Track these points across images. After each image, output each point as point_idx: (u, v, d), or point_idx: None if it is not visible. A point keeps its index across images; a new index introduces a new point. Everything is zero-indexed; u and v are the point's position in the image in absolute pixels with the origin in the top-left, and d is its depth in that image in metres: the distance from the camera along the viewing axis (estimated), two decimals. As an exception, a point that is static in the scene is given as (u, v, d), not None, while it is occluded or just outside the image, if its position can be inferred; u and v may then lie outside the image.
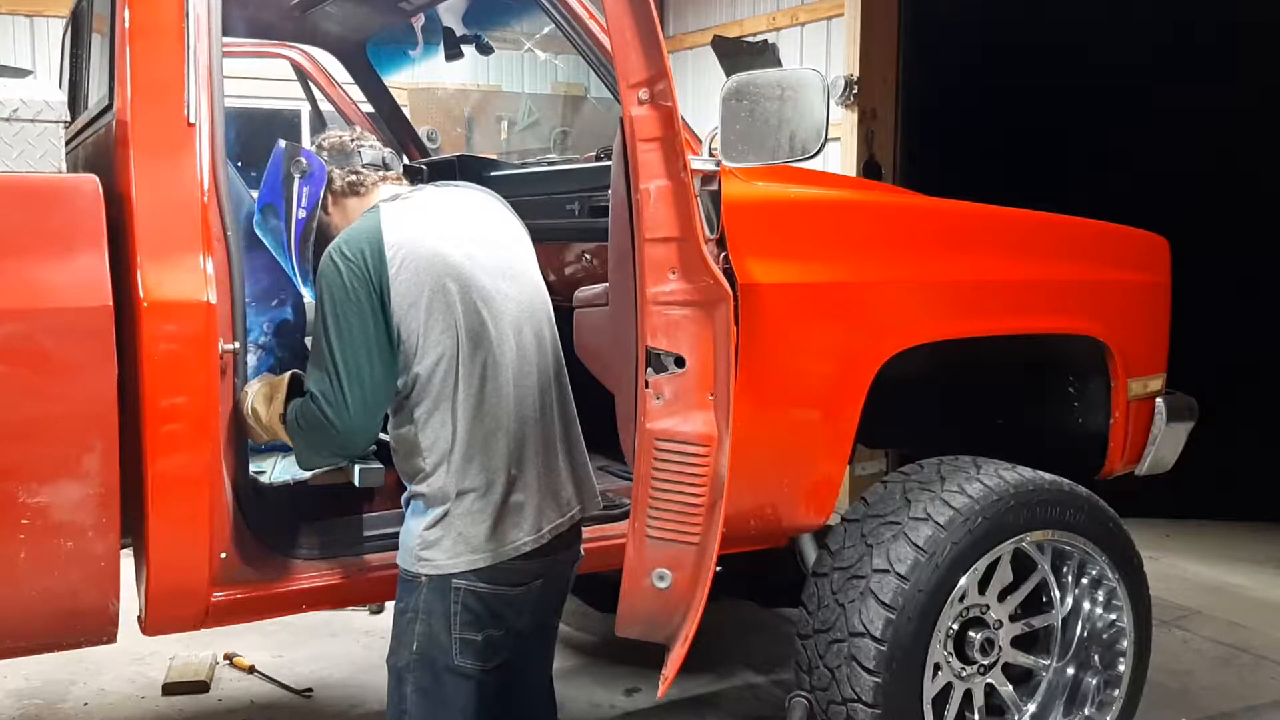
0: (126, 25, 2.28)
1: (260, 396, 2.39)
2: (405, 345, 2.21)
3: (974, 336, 3.07)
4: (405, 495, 2.34)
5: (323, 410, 2.20)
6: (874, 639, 2.69)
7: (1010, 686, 3.00)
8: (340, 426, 2.20)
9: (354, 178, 2.44)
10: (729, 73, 2.59)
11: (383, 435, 2.66)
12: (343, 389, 2.19)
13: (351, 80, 4.18)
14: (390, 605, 2.41)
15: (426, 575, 2.25)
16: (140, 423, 2.20)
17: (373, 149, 2.49)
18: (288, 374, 2.43)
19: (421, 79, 7.16)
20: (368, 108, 4.26)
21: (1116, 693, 3.10)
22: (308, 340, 2.97)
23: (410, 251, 2.22)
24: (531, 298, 2.38)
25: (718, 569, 2.31)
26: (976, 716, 2.93)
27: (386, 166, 2.49)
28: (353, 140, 2.49)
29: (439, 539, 2.24)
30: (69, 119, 2.33)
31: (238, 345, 2.34)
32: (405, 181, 2.53)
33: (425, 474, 2.26)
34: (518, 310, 2.32)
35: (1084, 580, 3.09)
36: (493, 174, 3.72)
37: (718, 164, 2.43)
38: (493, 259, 2.32)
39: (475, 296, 2.25)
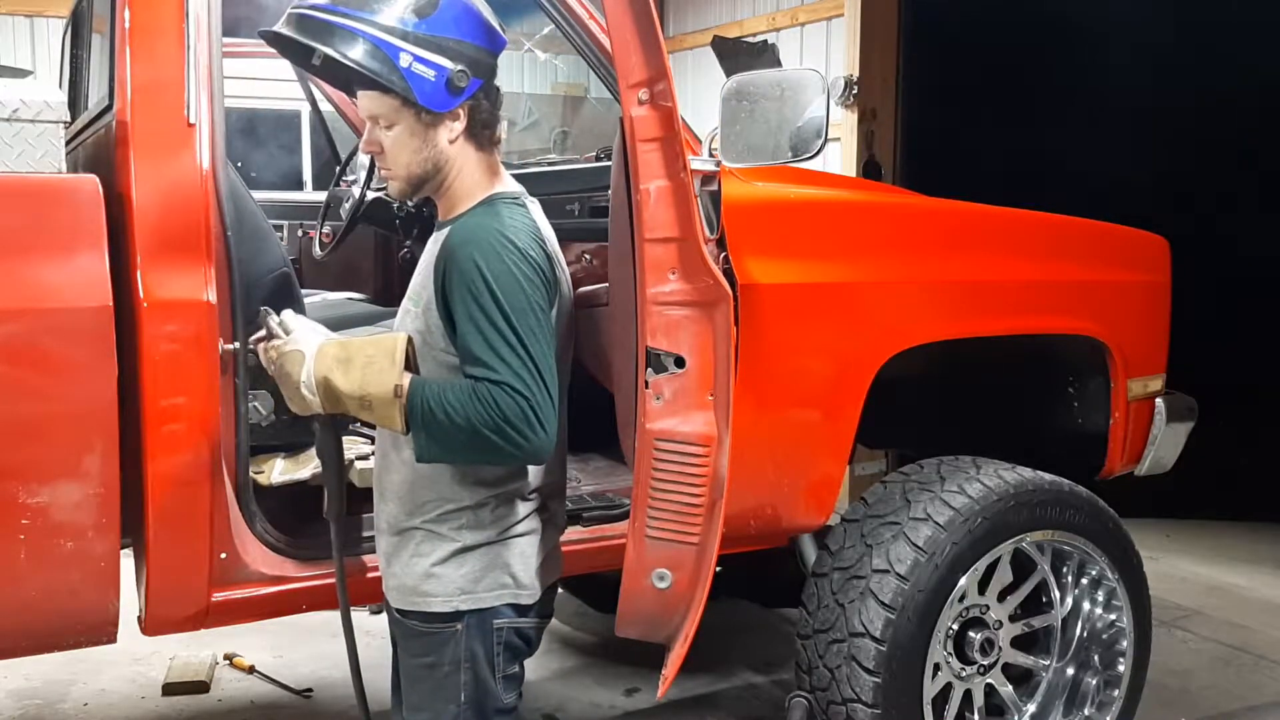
0: (126, 25, 2.27)
1: (334, 361, 1.97)
2: None
3: (974, 337, 3.07)
4: (411, 530, 2.08)
5: (525, 412, 1.87)
6: (874, 639, 2.69)
7: (1010, 687, 3.00)
8: (537, 440, 1.90)
9: (497, 124, 2.07)
10: (729, 73, 2.60)
11: (364, 445, 2.62)
12: (546, 389, 1.90)
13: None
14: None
15: (464, 624, 2.06)
16: (140, 423, 2.20)
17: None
18: (401, 336, 1.98)
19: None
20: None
21: (1116, 693, 3.10)
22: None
23: (562, 278, 2.08)
24: None
25: (718, 569, 2.31)
26: (976, 717, 2.93)
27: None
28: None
29: (484, 577, 2.06)
30: (69, 119, 2.32)
31: (238, 345, 2.34)
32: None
33: (481, 504, 2.05)
34: None
35: (1084, 580, 3.09)
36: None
37: (718, 164, 2.43)
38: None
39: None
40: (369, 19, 1.94)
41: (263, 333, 2.11)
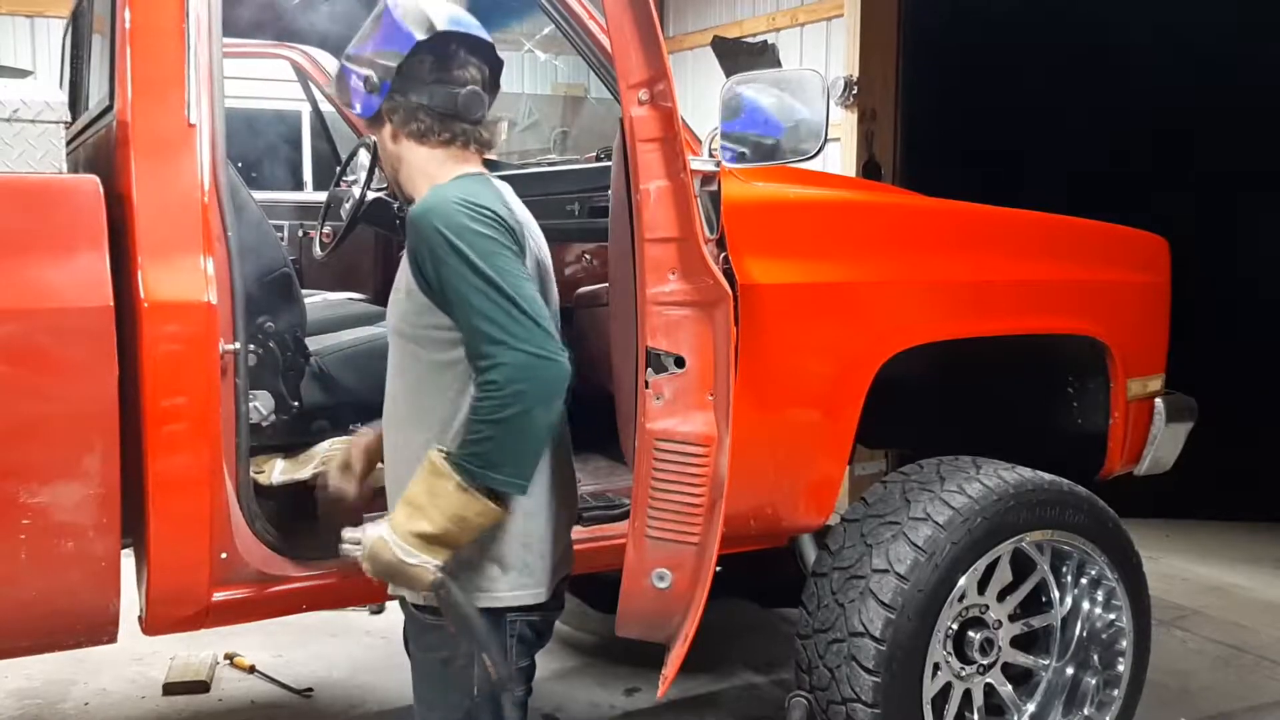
0: (126, 25, 2.27)
1: (406, 519, 1.99)
2: None
3: (974, 337, 3.07)
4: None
5: (519, 363, 1.91)
6: (874, 639, 2.69)
7: (1009, 686, 3.00)
8: (550, 368, 1.93)
9: (438, 119, 2.16)
10: (729, 73, 2.60)
11: None
12: (528, 316, 1.94)
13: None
14: (392, 606, 2.39)
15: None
16: (140, 423, 2.20)
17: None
18: (430, 452, 2.00)
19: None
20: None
21: (1116, 692, 3.10)
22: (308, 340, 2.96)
23: (530, 244, 2.12)
24: None
25: (718, 569, 2.32)
26: (976, 716, 2.93)
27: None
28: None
29: (501, 573, 2.10)
30: (69, 119, 2.32)
31: (238, 345, 2.34)
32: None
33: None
34: None
35: (1083, 580, 3.09)
36: (493, 174, 3.72)
37: (717, 164, 2.43)
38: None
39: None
40: (349, 52, 2.24)
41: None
